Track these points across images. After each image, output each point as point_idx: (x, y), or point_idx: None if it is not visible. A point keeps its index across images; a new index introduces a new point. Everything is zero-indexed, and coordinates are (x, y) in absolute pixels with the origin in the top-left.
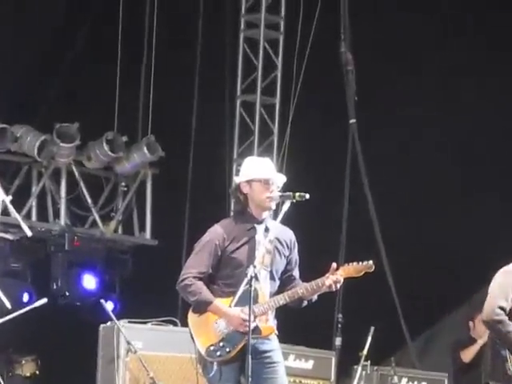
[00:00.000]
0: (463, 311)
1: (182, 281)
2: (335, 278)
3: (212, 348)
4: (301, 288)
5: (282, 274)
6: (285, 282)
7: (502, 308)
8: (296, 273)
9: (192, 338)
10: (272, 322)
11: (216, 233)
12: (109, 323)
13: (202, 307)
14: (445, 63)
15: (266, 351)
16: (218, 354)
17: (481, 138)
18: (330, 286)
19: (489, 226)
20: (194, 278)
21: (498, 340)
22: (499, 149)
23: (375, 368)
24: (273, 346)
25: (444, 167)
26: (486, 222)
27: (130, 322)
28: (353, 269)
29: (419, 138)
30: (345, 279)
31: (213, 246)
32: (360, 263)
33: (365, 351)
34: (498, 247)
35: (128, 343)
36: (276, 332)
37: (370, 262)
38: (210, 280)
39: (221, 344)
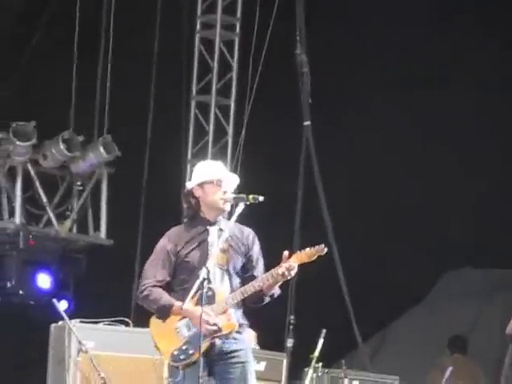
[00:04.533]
0: (415, 314)
1: (141, 292)
2: (287, 265)
3: (176, 353)
4: (256, 281)
5: (242, 272)
6: (247, 282)
7: None
8: (258, 272)
9: (155, 346)
10: (235, 319)
11: (168, 240)
12: (60, 323)
13: (165, 312)
14: (402, 65)
15: (233, 351)
16: (182, 357)
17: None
18: (283, 274)
19: (442, 227)
20: (153, 286)
21: None
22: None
23: (326, 370)
24: (240, 345)
25: (396, 166)
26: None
27: (82, 321)
28: (305, 254)
29: (373, 139)
30: (299, 266)
31: (166, 252)
32: (311, 248)
33: (316, 353)
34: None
35: (79, 343)
36: (238, 328)
37: (322, 245)
38: (168, 288)
39: (184, 347)
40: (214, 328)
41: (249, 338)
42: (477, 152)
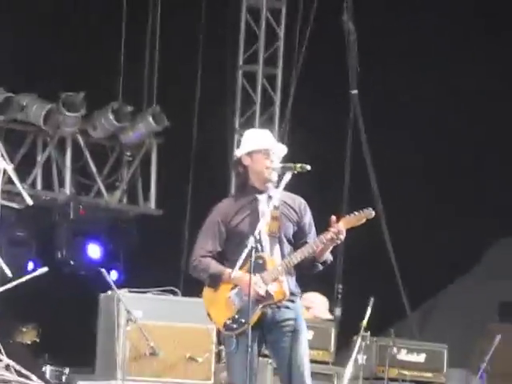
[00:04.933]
0: (464, 282)
1: (192, 263)
2: (336, 229)
3: (228, 322)
4: (305, 247)
5: (294, 240)
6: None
7: None
8: (310, 239)
9: (208, 315)
10: (286, 287)
11: (217, 211)
12: (109, 292)
13: (215, 280)
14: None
15: (285, 320)
16: (235, 326)
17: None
18: (332, 239)
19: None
20: (203, 257)
21: None
22: None
23: (375, 339)
24: (292, 314)
25: (446, 133)
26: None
27: (130, 291)
28: (353, 218)
29: (419, 105)
30: (347, 234)
31: (216, 223)
32: (360, 212)
33: (364, 322)
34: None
35: (128, 312)
36: (290, 296)
37: (369, 208)
38: (221, 258)
39: (236, 316)
40: (263, 293)
41: (302, 306)
42: None
